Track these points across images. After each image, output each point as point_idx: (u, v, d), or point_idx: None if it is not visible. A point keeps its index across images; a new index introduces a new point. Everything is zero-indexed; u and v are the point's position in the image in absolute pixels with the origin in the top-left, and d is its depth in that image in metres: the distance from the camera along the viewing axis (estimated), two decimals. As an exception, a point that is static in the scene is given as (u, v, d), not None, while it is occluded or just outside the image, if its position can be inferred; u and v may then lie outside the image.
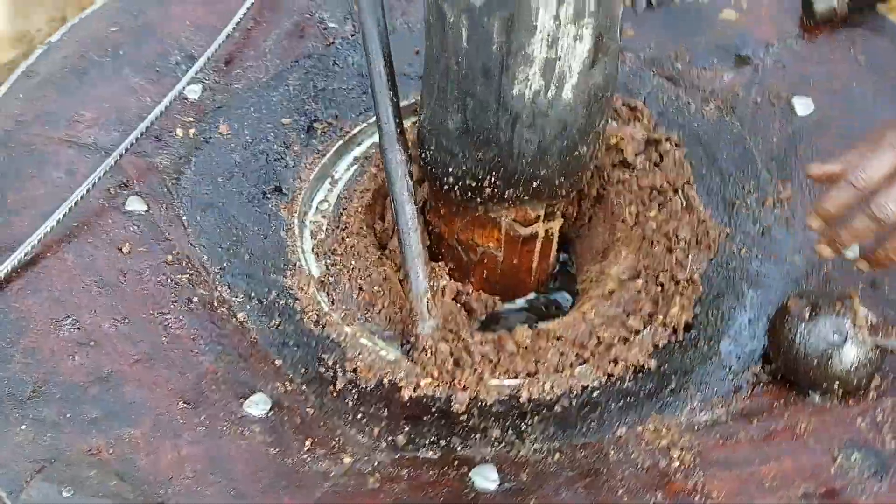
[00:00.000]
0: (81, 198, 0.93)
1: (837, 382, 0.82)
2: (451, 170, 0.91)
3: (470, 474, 0.77)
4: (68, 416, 0.78)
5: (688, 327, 0.94)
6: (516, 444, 0.82)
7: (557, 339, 0.95)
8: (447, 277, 1.06)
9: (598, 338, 0.94)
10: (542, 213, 0.96)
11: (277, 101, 1.15)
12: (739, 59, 1.18)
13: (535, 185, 0.89)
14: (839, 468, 0.78)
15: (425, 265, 0.95)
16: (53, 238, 0.91)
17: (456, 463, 0.80)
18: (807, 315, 0.82)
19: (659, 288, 0.99)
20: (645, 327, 0.95)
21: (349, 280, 1.01)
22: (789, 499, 0.76)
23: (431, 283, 1.05)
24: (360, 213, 1.07)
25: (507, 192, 0.90)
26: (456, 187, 0.92)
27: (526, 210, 0.96)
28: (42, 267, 0.90)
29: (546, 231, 1.00)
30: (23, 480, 0.72)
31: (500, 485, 0.77)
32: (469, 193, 0.91)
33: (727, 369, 0.89)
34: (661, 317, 0.95)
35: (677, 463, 0.79)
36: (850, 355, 0.80)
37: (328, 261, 1.03)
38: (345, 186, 1.10)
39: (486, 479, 0.77)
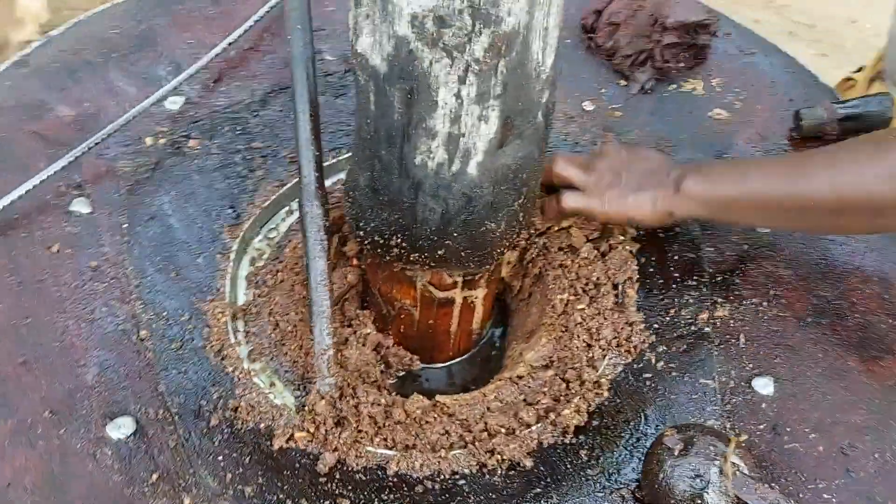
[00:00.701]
0: (27, 192, 0.97)
1: None
2: (361, 225, 0.90)
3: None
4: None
5: (578, 432, 0.91)
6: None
7: (448, 416, 0.93)
8: (372, 327, 1.06)
9: (486, 424, 0.92)
10: (459, 280, 0.95)
11: (254, 125, 1.17)
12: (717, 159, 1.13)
13: (440, 252, 0.87)
14: None
15: (329, 322, 0.94)
16: (-10, 226, 0.95)
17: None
18: (677, 451, 0.78)
19: (564, 384, 0.96)
20: (537, 422, 0.92)
21: (269, 315, 1.02)
22: None
23: (355, 330, 1.06)
24: (300, 248, 1.08)
25: (412, 255, 0.88)
26: (366, 242, 0.92)
27: (441, 275, 0.94)
28: None
29: (465, 298, 0.98)
30: None
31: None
32: (378, 250, 0.91)
33: (598, 485, 0.85)
34: (553, 415, 0.92)
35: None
36: (710, 503, 0.76)
37: (257, 291, 1.05)
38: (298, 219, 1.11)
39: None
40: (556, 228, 1.08)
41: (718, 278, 1.02)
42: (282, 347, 0.99)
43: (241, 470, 0.84)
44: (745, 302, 0.99)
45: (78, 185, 1.03)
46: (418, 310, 1.00)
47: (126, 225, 1.02)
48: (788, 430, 0.86)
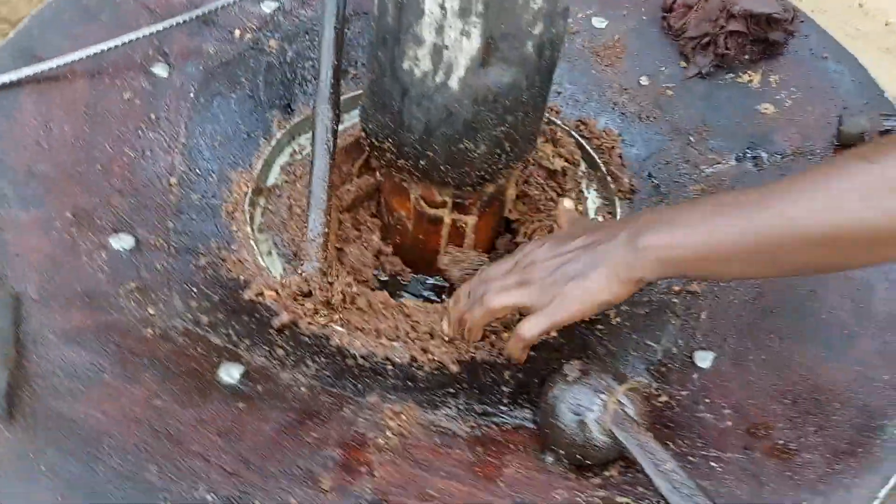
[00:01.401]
0: (117, 46, 1.14)
1: (564, 452, 0.79)
2: (364, 127, 0.99)
3: (220, 370, 0.86)
4: None
5: (513, 358, 0.94)
6: (278, 364, 0.90)
7: (404, 315, 0.99)
8: (378, 234, 1.14)
9: (432, 329, 0.97)
10: (448, 200, 1.01)
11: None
12: (749, 154, 1.10)
13: (422, 163, 0.93)
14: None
15: (324, 213, 1.02)
16: (74, 69, 1.12)
17: (223, 353, 0.89)
18: (570, 378, 0.80)
19: (520, 316, 0.99)
20: (481, 340, 0.97)
21: (288, 198, 1.13)
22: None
23: (362, 234, 1.15)
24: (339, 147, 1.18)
25: (400, 161, 0.95)
26: (366, 144, 1.00)
27: (431, 190, 1.01)
28: (31, 88, 1.08)
29: (454, 221, 1.04)
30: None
31: (238, 381, 0.86)
32: (375, 153, 0.99)
33: (506, 400, 0.88)
34: (495, 337, 0.96)
35: (381, 443, 0.82)
36: (585, 432, 0.77)
37: (285, 177, 1.16)
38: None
39: (229, 375, 0.86)
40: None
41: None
42: (287, 226, 1.10)
43: (206, 304, 0.95)
44: (721, 284, 0.97)
45: (164, 53, 1.19)
46: (411, 223, 1.07)
47: (192, 94, 1.16)
48: (707, 401, 0.85)
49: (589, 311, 0.79)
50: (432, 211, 1.03)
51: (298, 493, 0.75)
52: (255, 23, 1.28)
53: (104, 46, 1.13)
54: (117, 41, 1.14)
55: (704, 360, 0.90)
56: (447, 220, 1.04)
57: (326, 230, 1.02)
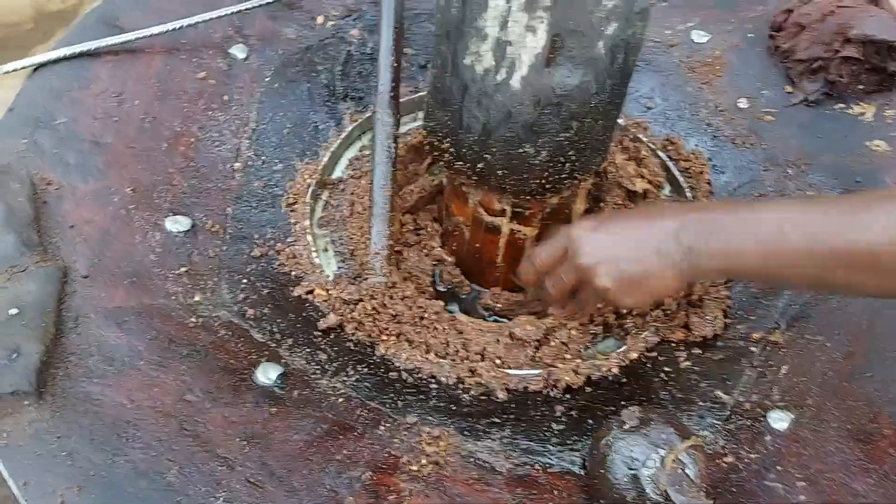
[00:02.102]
0: (197, 23, 1.12)
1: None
2: (426, 125, 0.93)
3: (257, 370, 0.82)
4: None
5: (567, 391, 0.87)
6: (318, 369, 0.85)
7: (456, 332, 0.93)
8: (438, 241, 1.09)
9: (484, 350, 0.91)
10: (507, 208, 0.94)
11: (413, 34, 1.23)
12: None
13: (480, 166, 0.87)
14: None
15: (387, 225, 0.97)
16: (153, 43, 1.10)
17: (263, 351, 0.85)
18: (627, 426, 0.72)
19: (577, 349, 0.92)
20: (532, 368, 0.90)
21: (351, 194, 1.08)
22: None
23: (421, 239, 1.09)
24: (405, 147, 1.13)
25: (457, 164, 0.89)
26: (426, 144, 0.94)
27: (491, 197, 0.94)
28: (107, 61, 1.07)
29: (512, 232, 0.97)
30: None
31: (274, 382, 0.81)
32: (435, 153, 0.93)
33: (553, 440, 0.81)
34: (551, 369, 0.89)
35: (415, 470, 0.76)
36: (636, 489, 0.70)
37: (351, 171, 1.12)
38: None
39: (266, 375, 0.82)
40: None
41: (794, 306, 0.91)
42: (347, 223, 1.05)
43: (255, 296, 0.92)
44: (807, 336, 0.87)
45: (244, 35, 1.16)
46: (469, 230, 1.01)
47: (268, 79, 1.13)
48: (779, 468, 0.76)
49: (643, 303, 0.84)
50: (490, 219, 0.97)
51: (320, 514, 0.70)
52: (338, 10, 1.24)
53: (184, 22, 1.11)
54: (198, 18, 1.11)
55: (780, 420, 0.80)
56: (505, 229, 0.98)
57: (390, 242, 0.97)
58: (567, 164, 0.85)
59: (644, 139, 1.13)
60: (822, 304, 0.90)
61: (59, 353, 0.77)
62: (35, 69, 1.04)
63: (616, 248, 0.79)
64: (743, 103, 1.13)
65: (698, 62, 1.18)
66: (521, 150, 0.83)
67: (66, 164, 0.94)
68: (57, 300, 0.80)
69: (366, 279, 0.93)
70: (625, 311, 0.94)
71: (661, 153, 1.11)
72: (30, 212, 0.85)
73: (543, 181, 0.86)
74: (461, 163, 0.88)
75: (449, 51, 0.80)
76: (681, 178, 1.09)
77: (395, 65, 1.00)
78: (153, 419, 0.74)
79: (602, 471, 0.72)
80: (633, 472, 0.70)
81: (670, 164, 1.10)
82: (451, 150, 0.88)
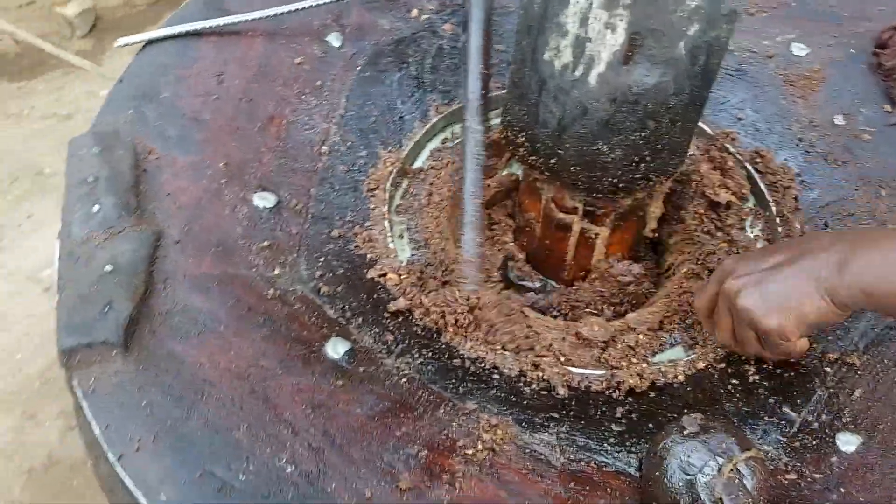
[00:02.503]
0: (296, 10, 1.17)
1: None
2: (504, 116, 0.95)
3: (327, 344, 0.86)
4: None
5: (630, 394, 0.87)
6: (385, 349, 0.88)
7: (524, 326, 0.94)
8: (510, 237, 1.10)
9: (551, 346, 0.92)
10: (580, 206, 0.95)
11: (505, 31, 1.25)
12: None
13: (553, 161, 0.88)
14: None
15: (478, 233, 0.98)
16: (255, 26, 1.15)
17: (334, 327, 0.88)
18: (687, 431, 0.72)
19: (642, 353, 0.92)
20: (597, 368, 0.90)
21: (430, 184, 1.11)
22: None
23: (494, 234, 1.11)
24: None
25: (531, 158, 0.91)
26: (503, 138, 0.96)
27: (564, 194, 0.95)
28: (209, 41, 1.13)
29: (583, 231, 0.98)
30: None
31: (342, 357, 0.85)
32: (511, 147, 0.94)
33: (609, 442, 0.81)
34: (614, 370, 0.89)
35: (470, 454, 0.77)
36: (691, 495, 0.69)
37: (433, 162, 1.14)
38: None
39: (335, 350, 0.85)
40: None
41: (875, 329, 0.88)
42: (423, 212, 1.08)
43: (331, 275, 0.95)
44: (885, 361, 0.85)
45: (341, 24, 1.20)
46: (540, 227, 1.02)
47: (360, 67, 1.17)
48: (842, 490, 0.74)
49: (797, 329, 0.76)
50: (561, 216, 0.98)
51: (375, 486, 0.72)
52: (433, 5, 1.27)
53: (285, 9, 1.16)
54: (298, 5, 1.17)
55: (849, 443, 0.78)
56: (576, 227, 0.98)
57: (482, 248, 0.98)
58: (642, 165, 0.85)
59: (732, 150, 1.11)
60: (906, 331, 0.87)
61: (146, 312, 0.82)
62: (144, 45, 1.11)
63: (773, 286, 0.76)
64: (839, 120, 1.10)
65: (796, 75, 1.16)
66: (594, 148, 0.83)
67: (167, 136, 1.00)
68: (149, 262, 0.85)
69: (459, 286, 0.95)
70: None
71: (748, 165, 1.09)
72: (131, 178, 0.91)
73: (616, 180, 0.86)
74: (535, 157, 0.90)
75: (529, 46, 0.82)
76: (766, 192, 1.07)
77: (485, 71, 1.02)
78: (227, 380, 0.79)
79: (657, 474, 0.72)
80: (689, 477, 0.70)
81: (757, 176, 1.08)
82: (527, 144, 0.90)
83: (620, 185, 0.87)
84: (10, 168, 2.31)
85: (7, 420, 1.81)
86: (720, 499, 0.68)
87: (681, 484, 0.70)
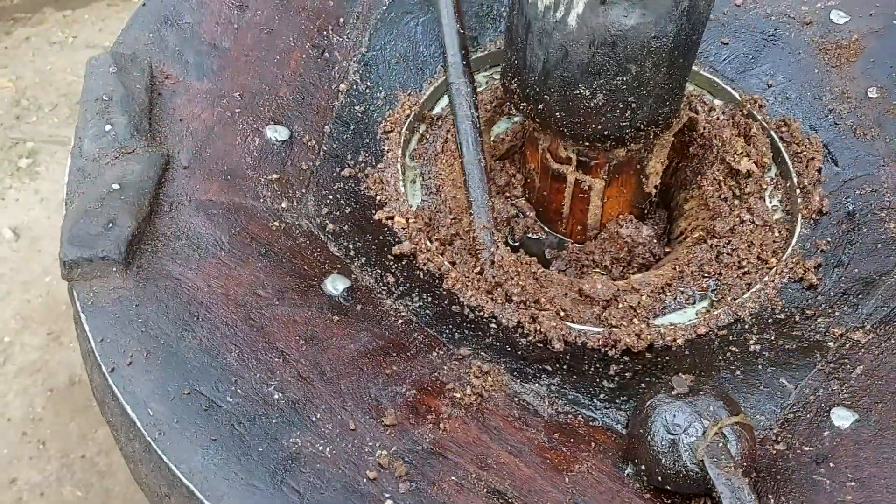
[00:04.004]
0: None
1: (645, 468, 0.70)
2: (502, 65, 0.93)
3: (327, 280, 0.85)
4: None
5: (625, 353, 0.85)
6: (385, 290, 0.87)
7: (528, 276, 0.93)
8: (521, 191, 1.08)
9: (552, 300, 0.90)
10: (573, 156, 0.93)
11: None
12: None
13: (540, 107, 0.87)
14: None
15: (487, 195, 0.95)
16: None
17: (336, 264, 0.88)
18: (675, 391, 0.70)
19: (645, 315, 0.90)
20: (596, 326, 0.89)
21: (447, 132, 1.09)
22: None
23: (506, 190, 1.09)
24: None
25: (522, 104, 0.89)
26: (500, 86, 0.94)
27: (558, 144, 0.93)
28: None
29: (577, 182, 0.96)
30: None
31: (341, 294, 0.84)
32: (506, 94, 0.93)
33: (601, 397, 0.80)
34: (613, 329, 0.88)
35: (458, 397, 0.77)
36: (674, 454, 0.68)
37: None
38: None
39: (334, 286, 0.85)
40: None
41: (884, 308, 0.85)
42: (438, 159, 1.06)
43: (338, 213, 0.94)
44: (892, 340, 0.82)
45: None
46: (538, 177, 1.00)
47: (384, 7, 1.14)
48: (831, 465, 0.72)
49: None
50: (556, 166, 0.96)
51: (359, 418, 0.72)
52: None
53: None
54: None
55: (844, 419, 0.76)
56: (570, 178, 0.96)
57: (493, 214, 0.96)
58: (628, 112, 0.83)
59: (758, 116, 1.07)
60: (917, 311, 0.84)
61: (150, 232, 0.82)
62: (172, -29, 1.09)
63: None
64: (873, 93, 1.05)
65: (832, 44, 1.11)
66: (576, 92, 0.82)
67: (185, 62, 0.99)
68: (156, 184, 0.85)
69: (480, 254, 0.93)
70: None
71: (773, 133, 1.05)
72: (145, 100, 0.90)
73: (601, 127, 0.84)
74: (525, 104, 0.88)
75: (516, -10, 0.80)
76: (790, 163, 1.03)
77: (461, 31, 0.99)
78: (223, 305, 0.79)
79: (642, 431, 0.70)
80: (672, 437, 0.68)
81: (781, 146, 1.04)
82: (518, 90, 0.88)
83: (607, 132, 0.85)
84: (50, 96, 2.33)
85: (34, 340, 1.85)
86: (702, 461, 0.66)
87: (664, 443, 0.69)
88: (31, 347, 1.83)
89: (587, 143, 0.88)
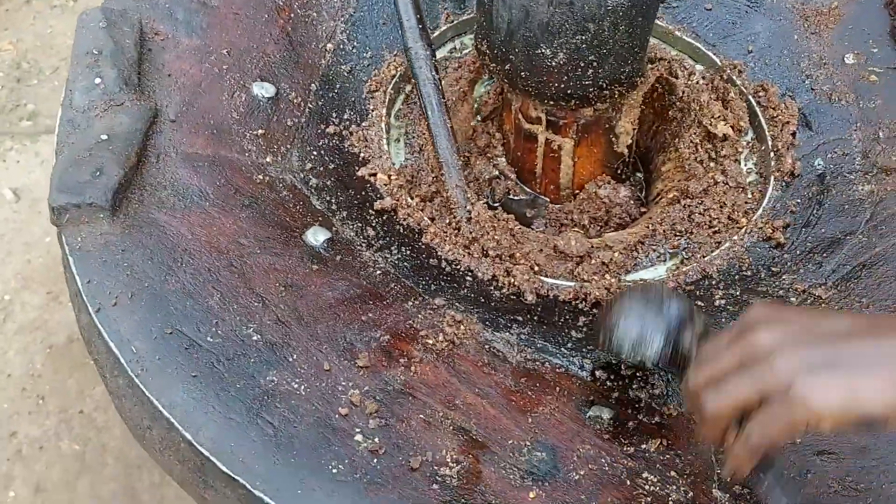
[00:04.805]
0: None
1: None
2: (474, 28, 0.95)
3: (308, 231, 0.88)
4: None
5: (595, 305, 0.88)
6: (364, 242, 0.90)
7: (505, 232, 0.95)
8: (501, 151, 1.10)
9: (528, 256, 0.93)
10: (542, 116, 0.95)
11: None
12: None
13: (507, 67, 0.89)
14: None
15: (455, 156, 0.97)
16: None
17: (317, 217, 0.90)
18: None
19: (616, 270, 0.93)
20: (571, 281, 0.91)
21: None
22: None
23: (487, 151, 1.11)
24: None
25: (491, 66, 0.92)
26: (473, 46, 0.98)
27: (528, 105, 0.96)
28: None
29: (548, 142, 0.98)
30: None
31: (321, 245, 0.87)
32: (479, 55, 0.95)
33: (570, 345, 0.83)
34: (586, 283, 0.91)
35: (430, 343, 0.80)
36: (638, 351, 0.72)
37: (440, 66, 1.13)
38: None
39: (315, 238, 0.87)
40: None
41: (846, 267, 0.88)
42: (422, 119, 1.08)
43: (321, 168, 0.97)
44: (851, 297, 0.85)
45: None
46: (513, 137, 1.02)
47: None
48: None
49: (843, 419, 0.53)
50: (527, 126, 0.99)
51: (334, 360, 0.75)
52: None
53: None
54: None
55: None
56: (541, 138, 0.99)
57: (464, 172, 0.99)
58: (589, 70, 0.85)
59: (737, 81, 1.09)
60: (877, 270, 0.87)
61: (137, 181, 0.85)
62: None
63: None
64: (850, 59, 1.07)
65: (813, 10, 1.12)
66: (538, 52, 0.84)
67: (174, 18, 1.01)
68: (143, 135, 0.87)
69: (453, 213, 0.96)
70: None
71: (751, 98, 1.07)
72: (134, 55, 0.92)
73: (564, 86, 0.87)
74: (494, 65, 0.91)
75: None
76: (766, 127, 1.05)
77: None
78: (206, 252, 0.81)
79: (611, 321, 0.74)
80: (641, 324, 0.72)
81: (758, 110, 1.06)
82: (487, 51, 0.90)
83: (570, 91, 0.87)
84: (51, 59, 2.34)
85: (33, 298, 1.88)
86: (657, 364, 0.70)
87: (628, 343, 0.72)
88: (31, 306, 1.86)
89: (552, 103, 0.90)
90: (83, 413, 1.72)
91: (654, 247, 0.95)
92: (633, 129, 0.99)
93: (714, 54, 1.12)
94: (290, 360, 0.74)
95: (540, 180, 1.04)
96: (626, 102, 0.95)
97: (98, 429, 1.70)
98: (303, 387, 0.72)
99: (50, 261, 1.95)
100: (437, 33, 1.14)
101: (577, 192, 1.05)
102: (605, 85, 0.87)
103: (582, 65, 0.84)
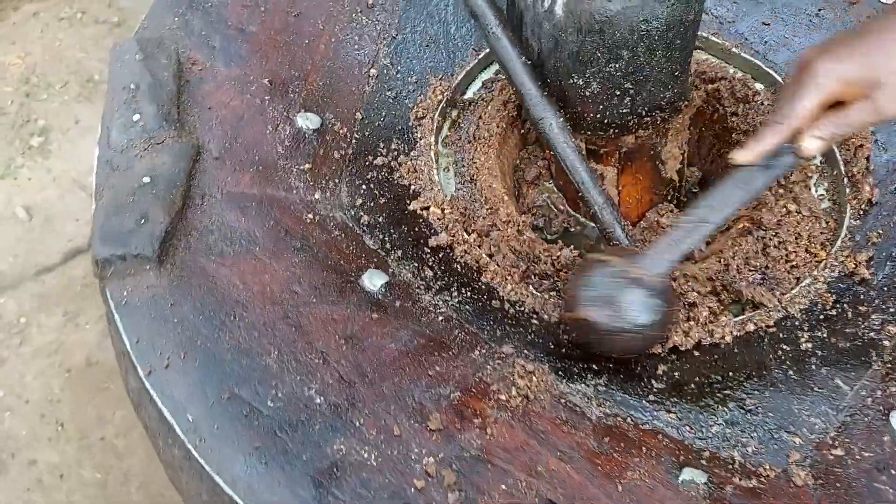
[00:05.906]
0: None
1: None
2: None
3: (364, 275, 0.82)
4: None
5: (672, 351, 0.83)
6: (423, 284, 0.84)
7: (568, 273, 0.90)
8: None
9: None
10: (582, 145, 0.89)
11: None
12: None
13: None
14: None
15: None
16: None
17: (372, 258, 0.85)
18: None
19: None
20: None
21: (479, 118, 1.04)
22: None
23: (541, 173, 1.05)
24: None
25: None
26: None
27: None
28: None
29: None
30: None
31: (379, 290, 0.81)
32: None
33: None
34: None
35: (503, 399, 0.74)
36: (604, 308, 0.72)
37: (483, 93, 1.07)
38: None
39: (372, 282, 0.82)
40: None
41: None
42: (472, 146, 1.02)
43: (372, 203, 0.91)
44: None
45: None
46: (555, 167, 0.97)
47: (410, -5, 1.09)
48: (893, 472, 0.69)
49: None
50: None
51: (404, 423, 0.69)
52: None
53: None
54: (356, -83, 1.09)
55: (903, 424, 0.73)
56: None
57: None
58: (626, 99, 0.79)
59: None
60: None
61: (182, 227, 0.79)
62: (195, -49, 1.05)
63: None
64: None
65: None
66: (570, 82, 0.79)
67: (211, 46, 0.95)
68: (187, 176, 0.81)
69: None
70: None
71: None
72: (173, 87, 0.87)
73: (599, 115, 0.81)
74: None
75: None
76: (836, 150, 0.99)
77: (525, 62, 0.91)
78: (260, 303, 0.76)
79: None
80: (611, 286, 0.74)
81: (827, 132, 1.00)
82: None
83: (607, 121, 0.82)
84: (60, 73, 2.28)
85: (50, 320, 1.83)
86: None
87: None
88: (47, 328, 1.81)
89: (590, 132, 0.85)
90: (104, 440, 1.66)
91: (730, 283, 0.89)
92: (683, 154, 0.93)
93: (775, 72, 1.05)
94: (357, 424, 0.69)
95: (583, 210, 0.98)
96: (671, 127, 0.89)
97: (119, 456, 1.65)
98: (373, 455, 0.67)
99: (65, 280, 1.89)
100: (481, 54, 1.08)
101: (626, 221, 1.00)
102: (644, 112, 0.82)
103: (618, 93, 0.79)
